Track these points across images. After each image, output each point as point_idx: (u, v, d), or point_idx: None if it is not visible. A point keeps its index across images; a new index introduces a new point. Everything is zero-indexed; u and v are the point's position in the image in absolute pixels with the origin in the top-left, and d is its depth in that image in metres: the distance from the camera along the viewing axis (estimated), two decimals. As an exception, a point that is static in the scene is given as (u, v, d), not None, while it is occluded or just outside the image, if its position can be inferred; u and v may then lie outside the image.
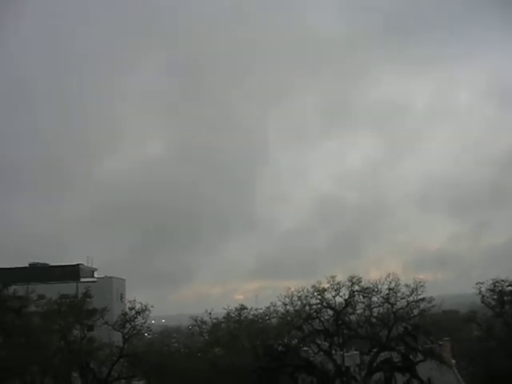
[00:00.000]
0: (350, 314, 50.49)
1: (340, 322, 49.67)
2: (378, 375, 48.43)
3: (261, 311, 50.63)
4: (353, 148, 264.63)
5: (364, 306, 49.97)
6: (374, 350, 48.27)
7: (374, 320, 49.85)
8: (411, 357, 47.18)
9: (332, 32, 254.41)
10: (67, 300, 43.70)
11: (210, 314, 50.25)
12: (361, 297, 49.59)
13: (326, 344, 50.11)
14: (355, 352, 47.37)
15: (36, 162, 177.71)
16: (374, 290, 49.05)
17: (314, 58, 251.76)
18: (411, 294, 47.93)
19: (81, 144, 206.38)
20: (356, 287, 48.94)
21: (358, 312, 50.43)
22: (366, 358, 48.79)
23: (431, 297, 48.42)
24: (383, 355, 48.18)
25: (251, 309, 50.69)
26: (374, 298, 49.55)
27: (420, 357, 46.66)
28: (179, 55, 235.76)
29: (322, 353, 49.74)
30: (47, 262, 74.98)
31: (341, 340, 49.64)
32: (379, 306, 49.72)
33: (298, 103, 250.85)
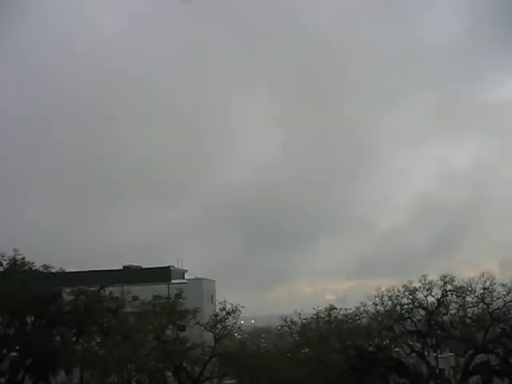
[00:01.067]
0: (443, 315, 49.14)
1: (433, 322, 48.45)
2: (474, 379, 46.84)
3: (350, 311, 50.11)
4: (461, 148, 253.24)
5: (458, 306, 48.51)
6: (470, 352, 46.71)
7: (468, 321, 48.28)
8: (511, 360, 45.29)
9: (446, 32, 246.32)
10: (161, 301, 44.91)
11: (299, 314, 50.22)
12: (454, 296, 48.20)
13: (419, 345, 49.00)
14: (450, 354, 45.98)
15: (149, 165, 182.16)
16: (467, 290, 47.55)
17: (428, 60, 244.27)
18: (508, 294, 46.09)
19: (189, 147, 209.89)
20: (449, 286, 47.63)
21: (452, 312, 49.00)
22: (461, 361, 47.31)
23: (531, 297, 46.34)
24: (479, 358, 46.53)
25: (341, 309, 50.29)
26: (468, 298, 48.06)
27: (521, 360, 44.71)
28: (293, 58, 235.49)
29: (414, 354, 48.70)
30: (140, 265, 77.56)
31: (434, 341, 48.37)
32: (474, 306, 48.14)
33: (409, 105, 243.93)
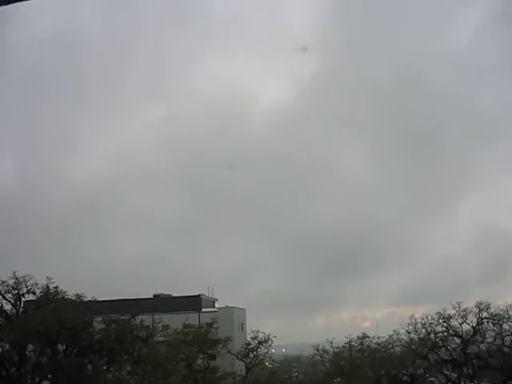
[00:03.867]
0: (480, 343, 47.85)
1: (468, 351, 47.19)
2: (513, 409, 45.33)
3: (383, 339, 49.19)
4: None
5: (494, 334, 47.25)
6: (509, 382, 45.32)
7: (506, 349, 46.95)
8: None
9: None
10: (192, 330, 44.75)
11: (331, 342, 49.40)
12: (490, 324, 47.02)
13: (454, 375, 47.79)
14: (487, 384, 44.74)
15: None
16: (504, 317, 46.36)
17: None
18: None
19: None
20: (484, 314, 46.47)
21: (488, 340, 47.69)
22: (500, 391, 45.91)
23: None
24: (519, 388, 45.10)
25: (373, 337, 49.38)
26: (505, 326, 46.80)
27: None
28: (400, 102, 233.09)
29: (450, 384, 47.50)
30: (170, 293, 77.60)
31: (470, 370, 47.08)
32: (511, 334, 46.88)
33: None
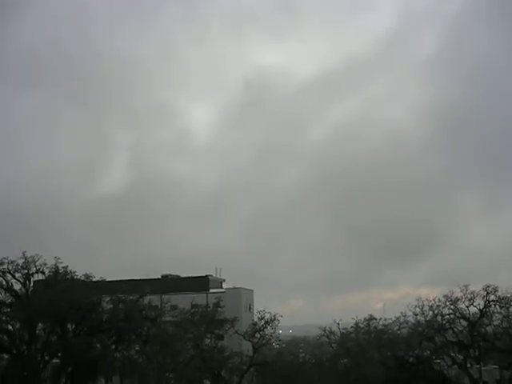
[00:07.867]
0: (486, 326, 47.88)
1: (475, 333, 47.24)
2: (519, 392, 45.48)
3: (390, 321, 49.28)
4: None
5: (501, 316, 47.26)
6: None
7: (512, 332, 46.96)
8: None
9: None
10: (200, 310, 44.92)
11: (338, 324, 49.51)
12: (497, 307, 46.99)
13: (461, 357, 47.82)
14: (494, 366, 44.68)
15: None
16: (511, 300, 46.32)
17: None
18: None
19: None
20: (492, 297, 46.43)
21: (495, 323, 47.72)
22: (506, 374, 45.96)
23: None
24: (525, 370, 45.18)
25: (380, 319, 49.46)
26: (512, 309, 46.76)
27: None
28: None
29: (456, 366, 47.57)
30: (178, 274, 78.14)
31: (477, 353, 47.15)
32: (518, 316, 46.81)
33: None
